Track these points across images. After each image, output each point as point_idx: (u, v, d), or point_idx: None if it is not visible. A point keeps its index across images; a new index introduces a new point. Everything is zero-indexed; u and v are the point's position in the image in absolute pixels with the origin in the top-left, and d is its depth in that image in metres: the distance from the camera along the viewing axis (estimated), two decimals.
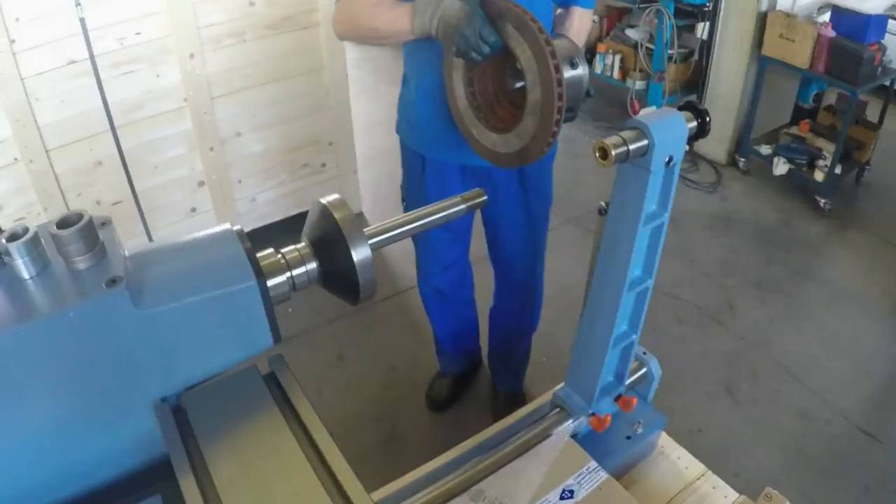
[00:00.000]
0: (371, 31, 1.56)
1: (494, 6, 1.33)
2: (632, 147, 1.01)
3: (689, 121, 1.08)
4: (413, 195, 1.98)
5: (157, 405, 0.85)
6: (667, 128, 1.02)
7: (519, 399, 2.41)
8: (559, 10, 1.75)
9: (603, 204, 1.20)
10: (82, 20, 2.32)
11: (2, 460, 0.78)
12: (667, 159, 1.05)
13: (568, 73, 1.33)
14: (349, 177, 3.36)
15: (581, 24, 1.75)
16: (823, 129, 3.64)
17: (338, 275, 0.91)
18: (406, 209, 2.00)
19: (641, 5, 4.08)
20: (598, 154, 1.01)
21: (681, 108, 1.10)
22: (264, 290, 0.85)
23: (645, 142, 1.01)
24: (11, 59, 2.26)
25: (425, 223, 1.05)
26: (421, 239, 2.11)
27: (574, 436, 1.43)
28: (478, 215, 2.03)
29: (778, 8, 3.51)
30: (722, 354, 2.70)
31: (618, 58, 4.48)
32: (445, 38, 1.39)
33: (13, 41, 2.24)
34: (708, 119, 1.09)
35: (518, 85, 1.48)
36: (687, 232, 3.42)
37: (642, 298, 1.27)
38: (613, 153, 1.00)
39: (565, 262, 3.11)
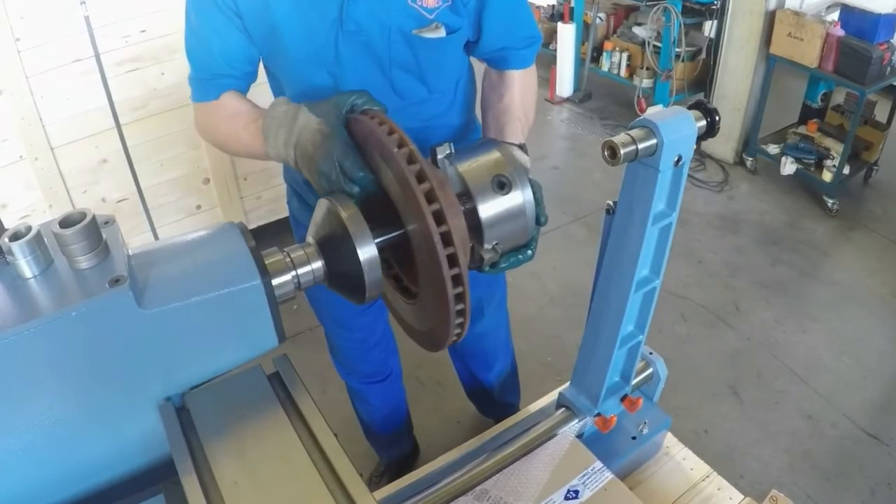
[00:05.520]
0: (234, 152, 1.25)
1: (361, 125, 0.93)
2: (640, 146, 1.00)
3: (697, 120, 1.07)
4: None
5: (160, 405, 0.85)
6: (676, 127, 1.01)
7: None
8: (494, 75, 1.34)
9: (611, 203, 1.19)
10: (87, 18, 2.31)
11: (6, 460, 0.77)
12: (676, 158, 1.04)
13: (491, 203, 0.93)
14: None
15: (525, 89, 1.32)
16: (831, 128, 3.62)
17: (344, 274, 0.90)
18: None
19: (649, 3, 4.07)
20: (606, 153, 1.00)
21: (690, 107, 1.09)
22: (269, 290, 0.84)
23: (654, 141, 1.00)
24: (16, 57, 2.26)
25: None
26: (330, 321, 1.72)
27: (579, 436, 1.43)
28: None
29: (786, 6, 3.49)
30: (728, 355, 2.68)
31: (625, 56, 4.47)
32: (308, 174, 1.01)
33: (18, 39, 2.24)
34: (717, 118, 1.08)
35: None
36: (693, 231, 3.40)
37: (649, 298, 1.26)
38: (622, 152, 0.99)
39: (572, 261, 3.10)
